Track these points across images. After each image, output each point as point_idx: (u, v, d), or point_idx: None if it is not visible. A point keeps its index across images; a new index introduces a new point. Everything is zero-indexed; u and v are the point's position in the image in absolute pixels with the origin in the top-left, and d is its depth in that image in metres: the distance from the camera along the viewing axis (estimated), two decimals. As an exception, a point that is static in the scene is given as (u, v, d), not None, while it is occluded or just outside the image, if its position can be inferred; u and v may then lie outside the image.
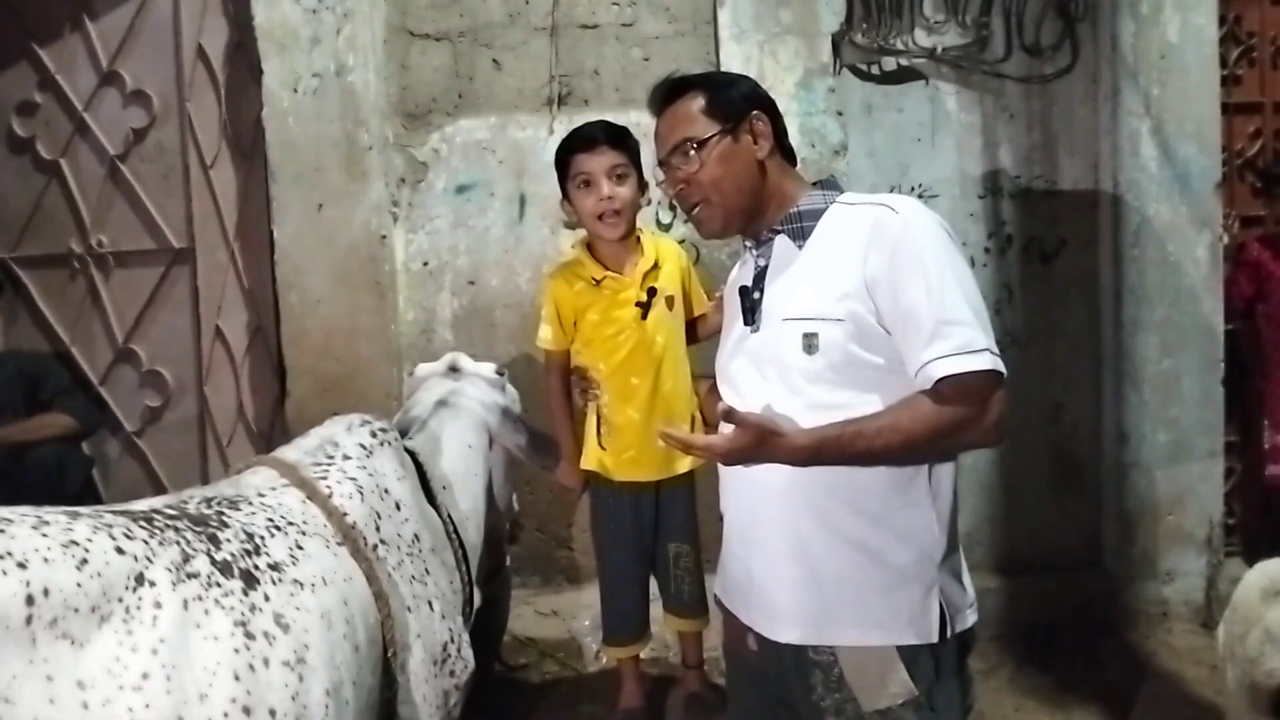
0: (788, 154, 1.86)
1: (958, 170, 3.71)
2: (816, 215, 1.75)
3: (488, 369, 2.70)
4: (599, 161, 2.69)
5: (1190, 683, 3.25)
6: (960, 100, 3.69)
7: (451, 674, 2.06)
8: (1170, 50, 3.55)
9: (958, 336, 1.56)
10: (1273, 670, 1.94)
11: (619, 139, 2.72)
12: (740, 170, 1.78)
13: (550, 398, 2.97)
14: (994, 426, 1.60)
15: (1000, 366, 1.58)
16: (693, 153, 1.76)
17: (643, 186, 2.78)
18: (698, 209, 1.80)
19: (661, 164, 1.85)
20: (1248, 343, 3.74)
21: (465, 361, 2.69)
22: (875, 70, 3.67)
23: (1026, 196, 3.72)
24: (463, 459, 2.43)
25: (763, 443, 1.58)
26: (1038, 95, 3.68)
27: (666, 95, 1.84)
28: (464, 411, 2.50)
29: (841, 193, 1.80)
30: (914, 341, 1.58)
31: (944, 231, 1.66)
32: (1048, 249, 3.73)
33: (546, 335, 2.89)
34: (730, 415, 1.58)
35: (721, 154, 1.76)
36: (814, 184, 1.83)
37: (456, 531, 2.42)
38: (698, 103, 1.79)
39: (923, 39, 3.64)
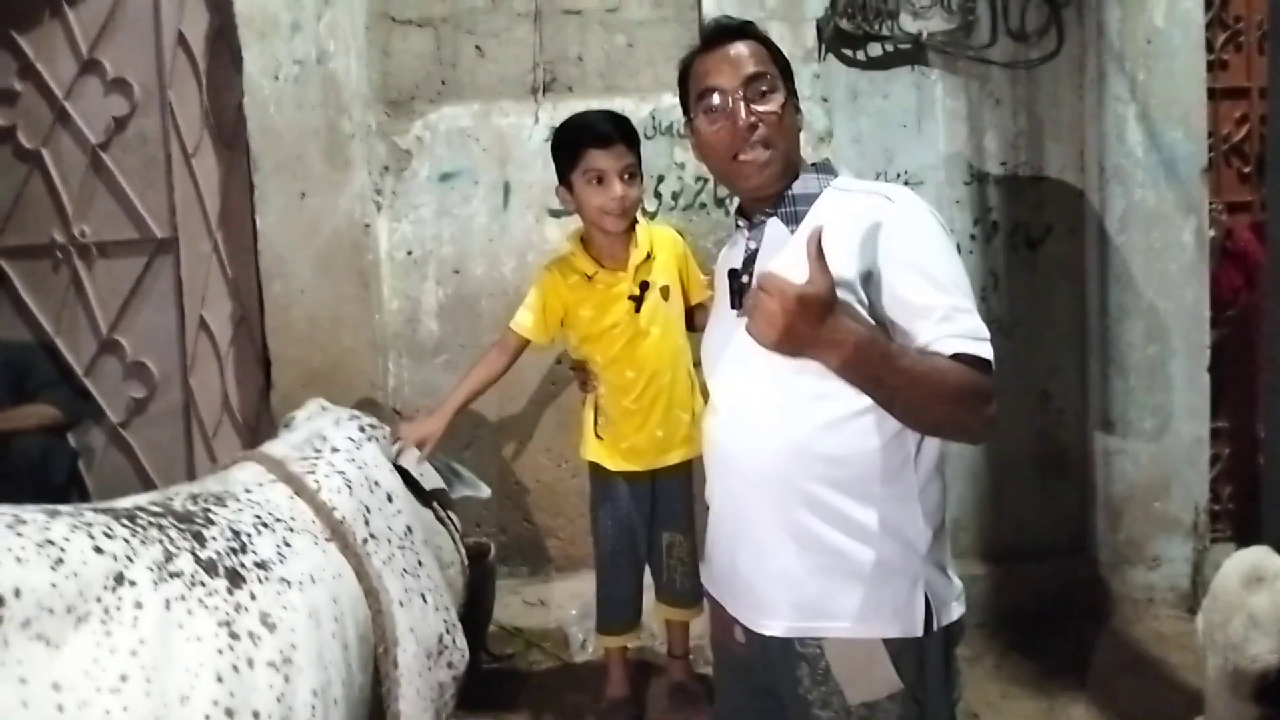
0: None
1: (943, 156, 3.70)
2: (810, 199, 1.73)
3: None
4: (614, 161, 2.63)
5: (1176, 668, 3.26)
6: (946, 86, 3.67)
7: (449, 665, 2.05)
8: (1157, 35, 3.54)
9: (965, 323, 1.53)
10: (1257, 655, 1.95)
11: (631, 136, 2.69)
12: (796, 134, 1.77)
13: (480, 359, 2.87)
14: (989, 419, 1.55)
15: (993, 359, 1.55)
16: (776, 94, 1.72)
17: (642, 180, 2.76)
18: (760, 150, 1.70)
19: (714, 93, 1.73)
20: (1236, 331, 3.73)
21: (330, 406, 2.47)
22: (861, 56, 3.65)
23: (1012, 183, 3.71)
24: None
25: (826, 302, 1.45)
26: (1023, 81, 3.67)
27: (740, 30, 1.77)
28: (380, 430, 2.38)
29: (836, 176, 1.77)
30: (919, 327, 1.54)
31: (938, 223, 1.64)
32: (1033, 235, 3.72)
33: (524, 321, 2.82)
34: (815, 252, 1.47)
35: (789, 108, 1.74)
36: (811, 165, 1.80)
37: (449, 512, 2.42)
38: (768, 53, 1.76)
39: (908, 24, 3.61)
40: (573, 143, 2.69)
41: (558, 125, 2.83)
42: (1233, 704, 2.02)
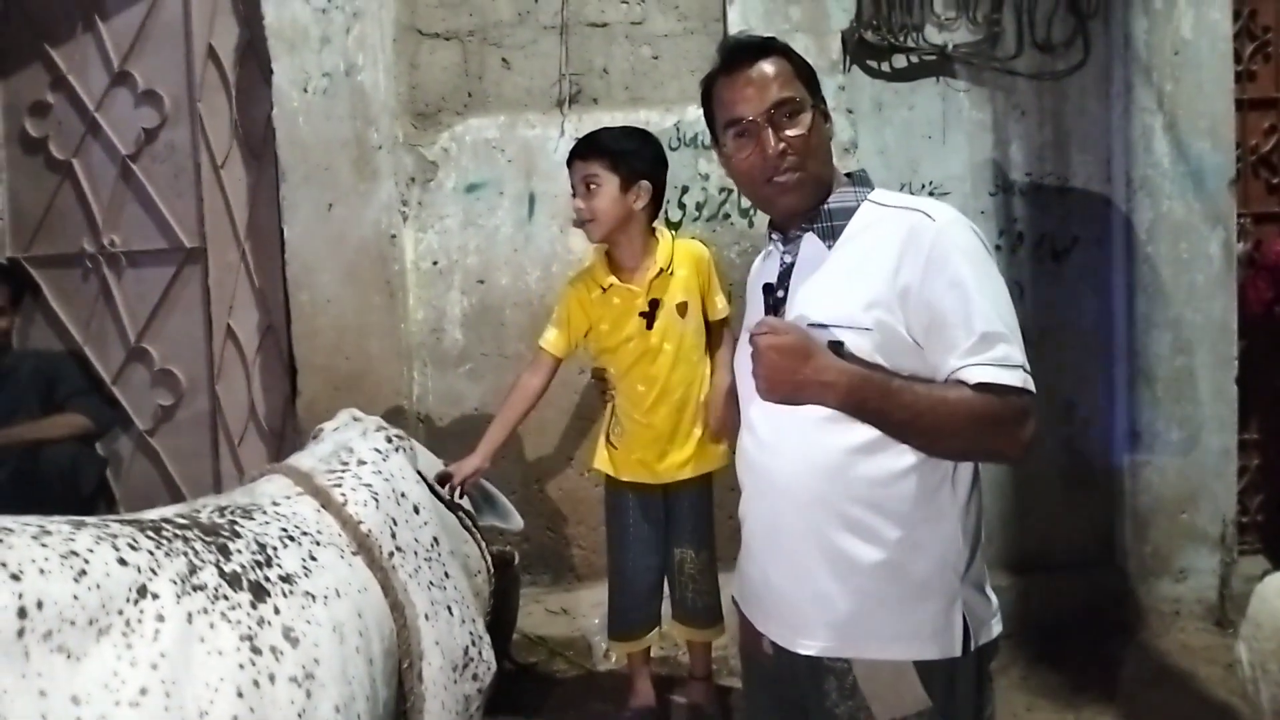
0: None
1: (969, 167, 3.68)
2: (847, 214, 1.70)
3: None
4: (574, 176, 2.75)
5: (1203, 681, 3.23)
6: (971, 97, 3.66)
7: (474, 678, 2.05)
8: (1184, 46, 3.51)
9: (995, 350, 1.51)
10: None
11: (595, 148, 2.73)
12: (827, 146, 1.74)
13: (512, 389, 2.89)
14: (1025, 443, 1.53)
15: (1031, 386, 1.52)
16: (803, 115, 1.68)
17: (633, 188, 2.72)
18: (789, 175, 1.69)
19: (741, 122, 1.70)
20: (1265, 343, 3.69)
21: (362, 415, 2.50)
22: (886, 67, 3.65)
23: (1038, 193, 3.69)
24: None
25: (807, 343, 1.55)
26: (1049, 92, 3.65)
27: (760, 48, 1.73)
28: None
29: (872, 189, 1.74)
30: (949, 351, 1.53)
31: (980, 241, 1.61)
32: (1059, 246, 3.70)
33: (549, 336, 2.87)
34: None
35: (817, 124, 1.70)
36: (846, 175, 1.77)
37: (474, 522, 2.43)
38: (787, 67, 1.71)
39: (934, 36, 3.60)
40: None
41: None
42: None
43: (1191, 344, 3.57)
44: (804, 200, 1.72)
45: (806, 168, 1.69)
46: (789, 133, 1.68)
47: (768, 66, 1.70)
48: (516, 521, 2.77)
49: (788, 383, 1.55)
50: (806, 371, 1.53)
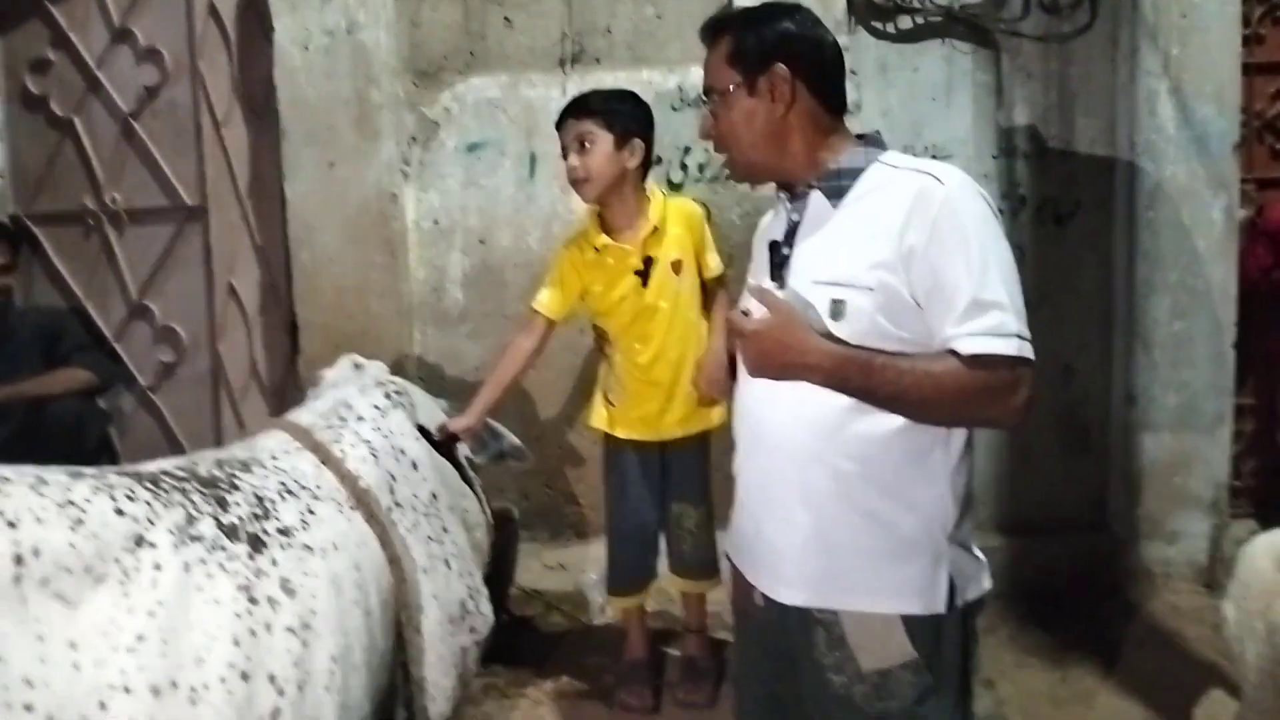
0: (837, 100, 1.76)
1: (973, 130, 3.66)
2: (855, 174, 1.69)
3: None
4: (565, 135, 2.74)
5: (1191, 642, 3.26)
6: (976, 59, 3.63)
7: (471, 630, 2.09)
8: (1191, 9, 3.47)
9: (990, 318, 1.51)
10: None
11: (586, 108, 2.73)
12: (757, 127, 1.72)
13: (505, 350, 2.87)
14: (1018, 409, 1.54)
15: (1028, 353, 1.53)
16: (716, 100, 1.74)
17: (626, 146, 2.72)
18: (728, 156, 1.79)
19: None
20: (1262, 308, 3.69)
21: (364, 361, 2.60)
22: (891, 29, 3.63)
23: (1042, 157, 3.67)
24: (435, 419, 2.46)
25: (791, 326, 1.58)
26: (1055, 55, 3.62)
27: (708, 34, 1.79)
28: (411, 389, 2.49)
29: (884, 150, 1.73)
30: (945, 316, 1.54)
31: (989, 207, 1.61)
32: (1062, 210, 3.69)
33: (543, 298, 2.85)
34: (762, 294, 1.60)
35: (739, 108, 1.72)
36: (858, 136, 1.77)
37: (474, 470, 2.46)
38: (723, 49, 1.73)
39: (939, -4, 3.59)
40: None
41: None
42: None
43: (1190, 309, 3.56)
44: (743, 176, 1.82)
45: (731, 149, 1.77)
46: (708, 121, 1.78)
47: (711, 54, 1.77)
48: (525, 454, 2.84)
49: (774, 364, 1.62)
50: (791, 354, 1.59)
